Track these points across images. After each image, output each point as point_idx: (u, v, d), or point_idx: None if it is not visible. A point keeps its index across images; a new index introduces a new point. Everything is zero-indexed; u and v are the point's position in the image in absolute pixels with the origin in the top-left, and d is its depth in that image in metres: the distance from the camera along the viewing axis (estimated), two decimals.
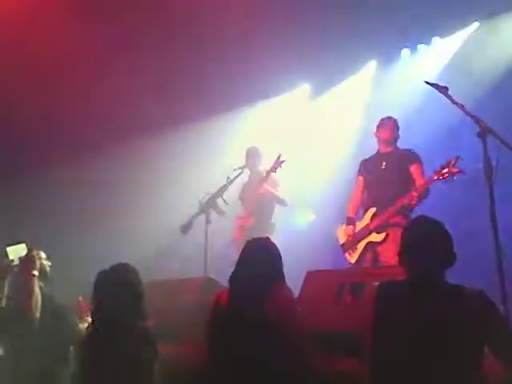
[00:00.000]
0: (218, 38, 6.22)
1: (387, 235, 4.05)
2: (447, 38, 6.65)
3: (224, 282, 2.95)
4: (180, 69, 6.56)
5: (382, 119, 4.51)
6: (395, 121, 4.49)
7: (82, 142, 6.51)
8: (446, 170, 3.78)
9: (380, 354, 2.12)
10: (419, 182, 4.12)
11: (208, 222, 4.94)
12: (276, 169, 5.08)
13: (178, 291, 3.92)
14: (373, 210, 4.23)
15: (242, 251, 2.74)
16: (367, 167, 4.51)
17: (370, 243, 4.17)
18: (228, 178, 5.13)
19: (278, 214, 5.53)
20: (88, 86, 6.34)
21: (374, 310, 2.18)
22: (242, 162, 5.41)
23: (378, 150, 4.50)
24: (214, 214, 5.06)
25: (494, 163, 3.06)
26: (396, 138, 4.46)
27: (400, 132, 4.50)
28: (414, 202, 3.95)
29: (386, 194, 4.18)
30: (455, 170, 3.75)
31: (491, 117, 3.32)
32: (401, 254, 2.23)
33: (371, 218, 4.22)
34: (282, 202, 5.35)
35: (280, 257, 2.67)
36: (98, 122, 6.56)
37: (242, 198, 5.54)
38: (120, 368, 2.37)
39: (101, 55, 6.16)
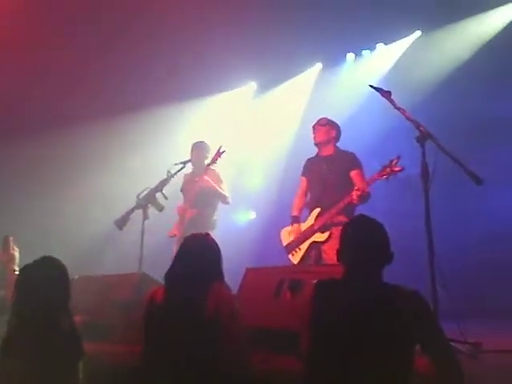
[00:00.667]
0: (169, 32, 6.16)
1: (331, 234, 4.08)
2: (391, 45, 6.85)
3: (160, 279, 2.86)
4: (132, 59, 6.48)
5: (314, 124, 4.47)
6: (328, 122, 4.43)
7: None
8: (388, 169, 3.85)
9: (315, 352, 2.10)
10: (359, 184, 4.15)
11: (146, 217, 4.78)
12: (216, 160, 5.01)
13: (111, 287, 3.79)
14: (317, 210, 4.25)
15: (181, 246, 2.65)
16: (310, 168, 4.52)
17: (313, 243, 4.20)
18: (169, 171, 4.98)
19: (220, 211, 5.47)
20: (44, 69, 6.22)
21: (310, 307, 2.16)
22: (185, 155, 5.29)
23: (318, 152, 4.49)
24: (152, 210, 4.92)
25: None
26: (331, 139, 4.40)
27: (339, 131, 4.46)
28: (355, 202, 4.00)
29: (329, 196, 4.21)
30: (397, 168, 3.83)
31: (428, 123, 3.41)
32: (340, 252, 2.23)
33: (315, 219, 4.24)
34: (223, 197, 5.27)
35: (220, 253, 2.60)
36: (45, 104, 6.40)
37: (183, 189, 5.41)
38: (43, 367, 2.23)
39: (59, 40, 6.05)
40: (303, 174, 4.58)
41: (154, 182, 4.91)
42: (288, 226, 4.46)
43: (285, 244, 4.41)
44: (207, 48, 6.30)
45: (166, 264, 2.65)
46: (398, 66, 6.75)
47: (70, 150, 6.60)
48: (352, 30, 6.25)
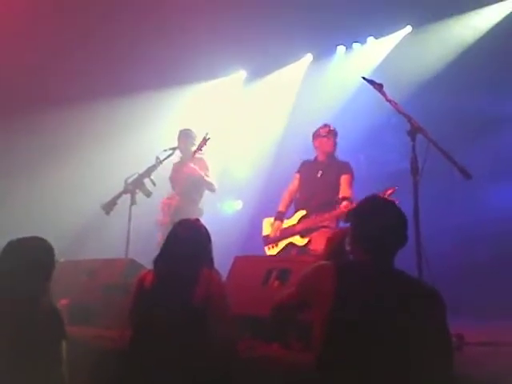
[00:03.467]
0: (158, 18, 6.12)
1: (310, 240, 4.10)
2: (381, 39, 6.86)
3: (147, 265, 2.84)
4: (120, 44, 6.36)
5: (323, 129, 4.44)
6: (335, 131, 4.44)
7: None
8: None
9: (334, 338, 1.93)
10: (344, 190, 4.19)
11: (133, 203, 4.74)
12: (202, 147, 4.96)
13: (98, 272, 3.76)
14: (302, 212, 4.27)
15: (171, 231, 2.64)
16: (305, 169, 4.53)
17: (291, 243, 4.22)
18: (157, 158, 4.94)
19: (206, 200, 5.45)
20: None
21: (332, 289, 1.94)
22: (174, 143, 5.26)
23: (317, 157, 4.50)
24: (140, 195, 4.88)
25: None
26: (335, 150, 4.43)
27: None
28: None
29: (316, 202, 4.24)
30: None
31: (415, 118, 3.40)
32: (355, 236, 2.06)
33: (299, 220, 4.25)
34: (209, 185, 5.26)
35: (210, 239, 2.61)
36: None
37: (171, 178, 5.39)
38: (23, 346, 2.19)
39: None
40: (298, 171, 4.58)
41: (141, 168, 4.87)
42: (272, 216, 4.47)
43: (264, 234, 4.42)
44: (196, 34, 6.24)
45: (152, 251, 2.64)
46: (387, 61, 6.75)
47: (57, 133, 6.49)
48: (343, 22, 6.24)
